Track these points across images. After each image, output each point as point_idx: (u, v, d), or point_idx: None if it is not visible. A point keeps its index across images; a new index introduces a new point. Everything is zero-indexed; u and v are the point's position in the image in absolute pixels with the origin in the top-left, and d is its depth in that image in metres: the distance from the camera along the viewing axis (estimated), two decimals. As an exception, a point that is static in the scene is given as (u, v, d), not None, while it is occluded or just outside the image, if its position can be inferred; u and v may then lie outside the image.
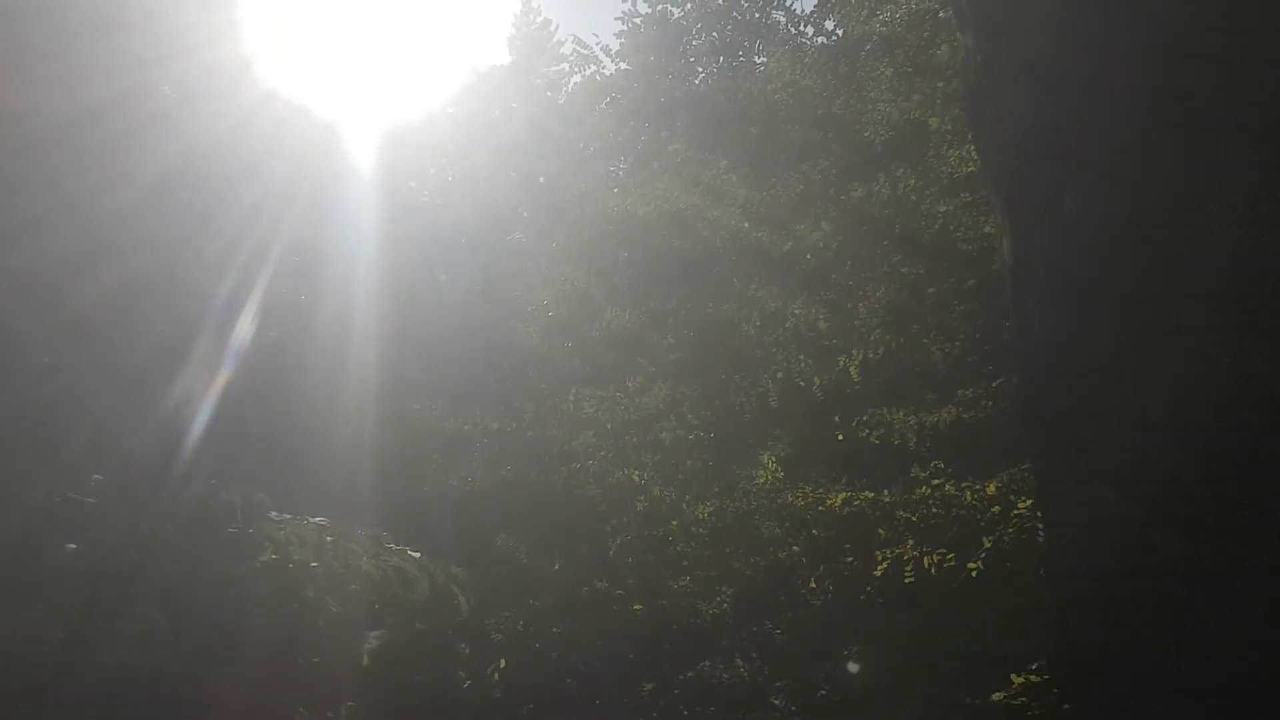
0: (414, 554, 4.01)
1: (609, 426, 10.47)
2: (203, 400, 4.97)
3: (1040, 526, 7.52)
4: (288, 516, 3.77)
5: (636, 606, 9.77)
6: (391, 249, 11.22)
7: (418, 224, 13.27)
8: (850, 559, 8.43)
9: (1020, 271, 2.83)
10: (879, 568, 8.12)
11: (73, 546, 2.91)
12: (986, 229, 7.01)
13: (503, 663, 9.01)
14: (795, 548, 8.94)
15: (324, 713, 3.06)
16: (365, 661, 3.21)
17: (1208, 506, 2.48)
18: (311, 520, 3.79)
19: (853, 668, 6.80)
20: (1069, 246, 2.61)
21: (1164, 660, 2.53)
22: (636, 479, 9.70)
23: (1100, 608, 2.74)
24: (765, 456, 10.23)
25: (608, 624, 9.39)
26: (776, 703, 7.46)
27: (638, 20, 18.74)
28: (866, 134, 9.62)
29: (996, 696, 7.28)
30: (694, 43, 17.53)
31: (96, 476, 3.32)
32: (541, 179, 17.38)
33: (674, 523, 10.12)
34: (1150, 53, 2.50)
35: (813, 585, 8.21)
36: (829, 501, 8.96)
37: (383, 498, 9.10)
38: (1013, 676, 7.27)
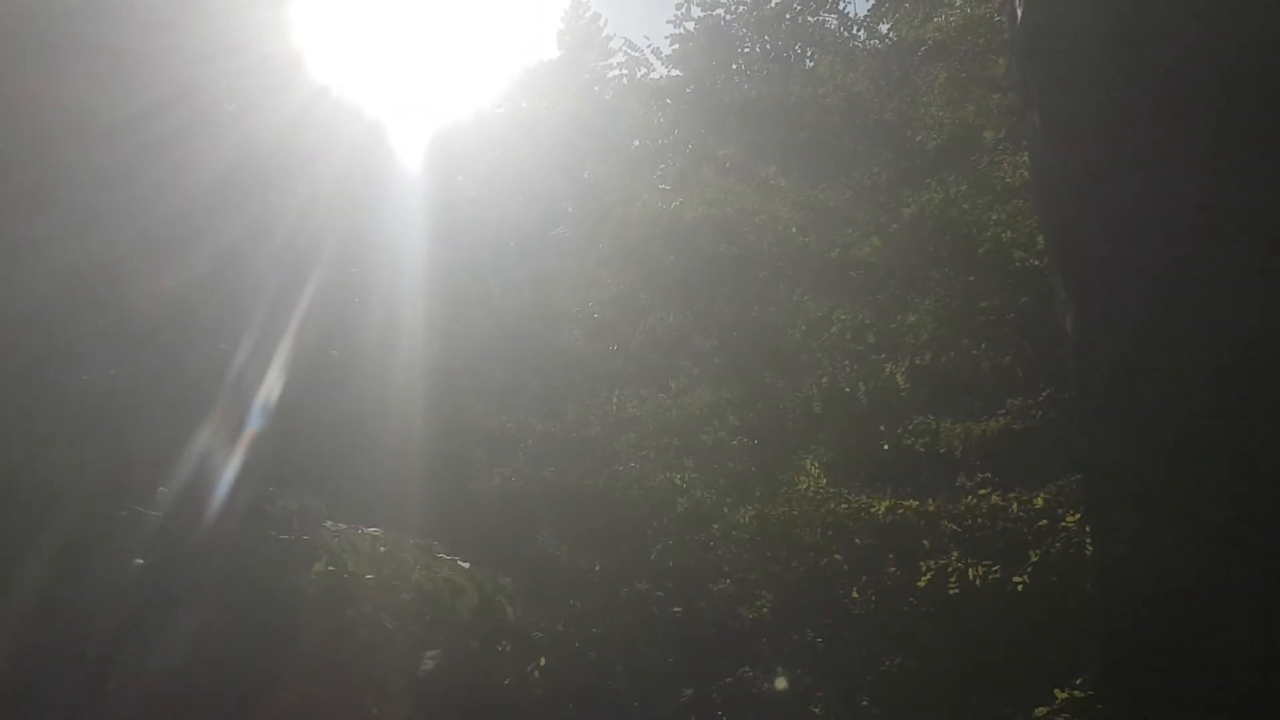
0: (463, 564, 4.05)
1: (651, 428, 10.48)
2: (255, 402, 5.04)
3: (1088, 540, 7.43)
4: (343, 526, 3.82)
5: (676, 609, 9.79)
6: (439, 246, 11.31)
7: (464, 220, 13.35)
8: (893, 569, 8.36)
9: (1084, 355, 2.79)
10: (923, 578, 8.05)
11: (140, 561, 2.98)
12: (1040, 239, 6.90)
13: (542, 661, 9.08)
14: (837, 555, 8.89)
15: (377, 724, 3.12)
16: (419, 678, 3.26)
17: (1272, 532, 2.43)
18: (365, 530, 3.85)
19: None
20: (1134, 338, 2.57)
21: (1216, 683, 2.48)
22: (678, 482, 9.70)
23: (1153, 627, 2.69)
24: (808, 462, 10.17)
25: (648, 625, 9.42)
26: (817, 711, 7.43)
27: (690, 24, 18.74)
28: (918, 139, 9.50)
29: (1039, 712, 7.20)
30: (744, 49, 17.48)
31: (162, 489, 3.39)
32: (587, 174, 17.39)
33: (714, 526, 10.11)
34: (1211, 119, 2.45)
35: (855, 595, 8.16)
36: (872, 509, 8.89)
37: (428, 495, 9.20)
38: (1056, 691, 7.21)
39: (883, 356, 7.93)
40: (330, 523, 3.80)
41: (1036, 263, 6.77)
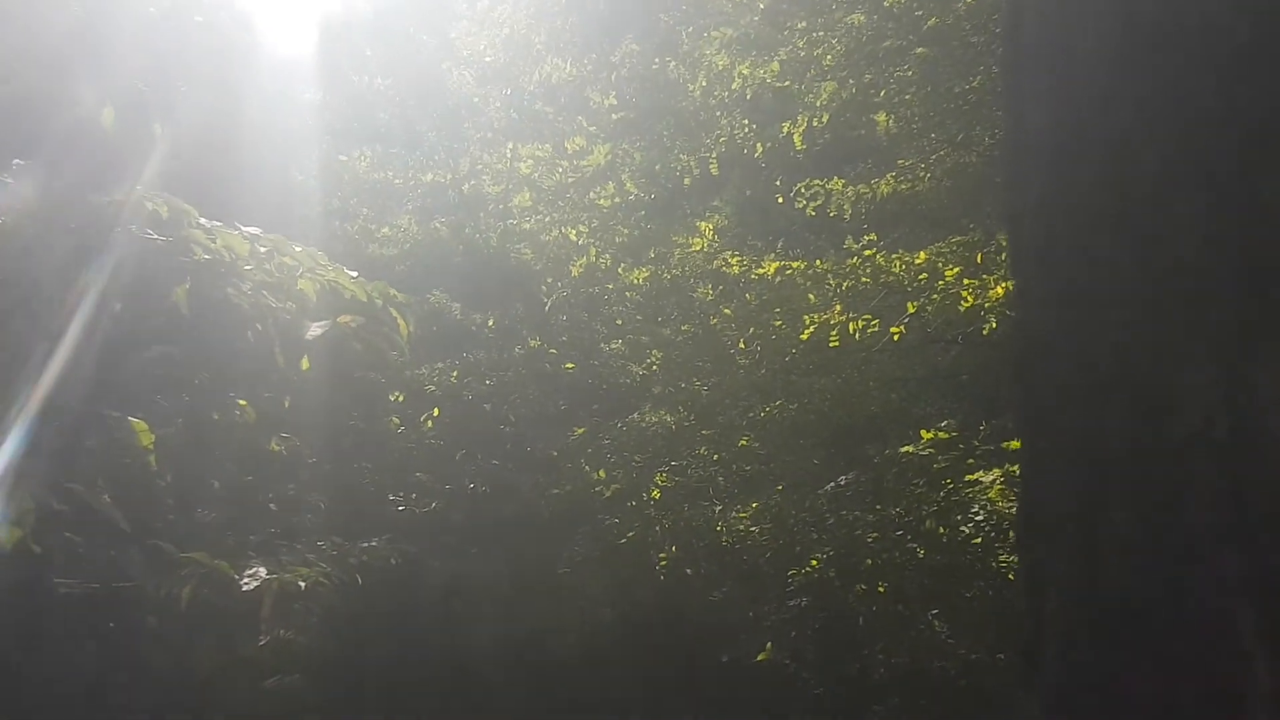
0: (351, 273, 3.94)
1: (546, 186, 10.25)
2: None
3: (965, 292, 7.74)
4: (218, 224, 3.63)
5: (569, 365, 9.98)
6: None
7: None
8: (779, 323, 8.63)
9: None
10: (805, 332, 8.35)
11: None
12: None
13: (436, 411, 9.23)
14: (726, 311, 9.10)
15: (264, 405, 3.08)
16: (306, 365, 3.20)
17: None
18: (245, 229, 3.67)
19: None
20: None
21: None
22: (574, 237, 9.63)
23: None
24: (703, 225, 10.19)
25: (540, 380, 9.60)
26: (703, 452, 7.83)
27: None
28: None
29: (905, 449, 7.76)
30: None
31: (16, 161, 3.12)
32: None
33: (610, 286, 10.16)
34: None
35: (741, 345, 8.43)
36: (760, 270, 9.06)
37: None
38: (923, 432, 7.75)
39: (788, 83, 7.80)
40: (205, 220, 3.61)
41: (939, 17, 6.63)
